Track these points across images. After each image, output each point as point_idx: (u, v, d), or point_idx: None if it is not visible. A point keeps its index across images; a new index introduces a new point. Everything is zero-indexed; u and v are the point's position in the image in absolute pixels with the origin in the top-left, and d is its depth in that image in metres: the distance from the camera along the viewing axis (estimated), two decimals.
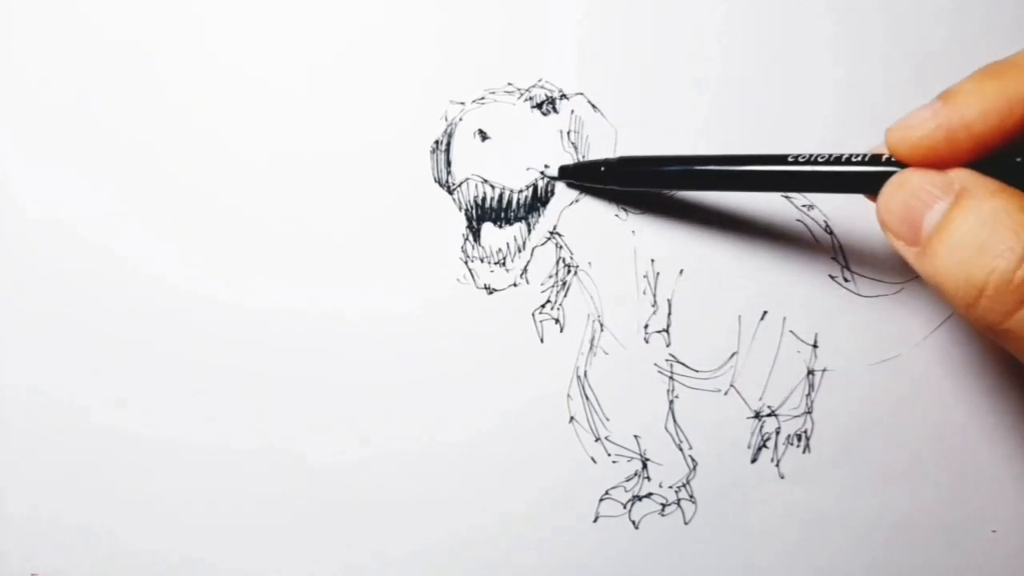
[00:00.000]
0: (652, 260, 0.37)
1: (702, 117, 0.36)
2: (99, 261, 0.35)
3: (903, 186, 0.27)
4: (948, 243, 0.25)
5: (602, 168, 0.35)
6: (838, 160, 0.29)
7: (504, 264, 0.36)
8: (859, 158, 0.29)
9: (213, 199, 0.35)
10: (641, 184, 0.35)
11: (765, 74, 0.36)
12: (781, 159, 0.30)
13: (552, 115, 0.36)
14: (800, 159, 0.30)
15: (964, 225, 0.25)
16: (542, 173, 0.36)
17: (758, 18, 0.36)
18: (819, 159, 0.29)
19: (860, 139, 0.37)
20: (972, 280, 0.25)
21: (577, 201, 0.36)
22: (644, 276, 0.37)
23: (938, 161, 0.27)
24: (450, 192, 0.36)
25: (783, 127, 0.37)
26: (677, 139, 0.36)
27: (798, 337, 0.37)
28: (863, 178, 0.29)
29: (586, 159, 0.36)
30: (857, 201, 0.37)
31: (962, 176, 0.26)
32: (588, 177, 0.35)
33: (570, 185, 0.36)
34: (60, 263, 0.35)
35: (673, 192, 0.36)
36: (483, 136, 0.36)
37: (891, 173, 0.27)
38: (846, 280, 0.37)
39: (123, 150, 0.35)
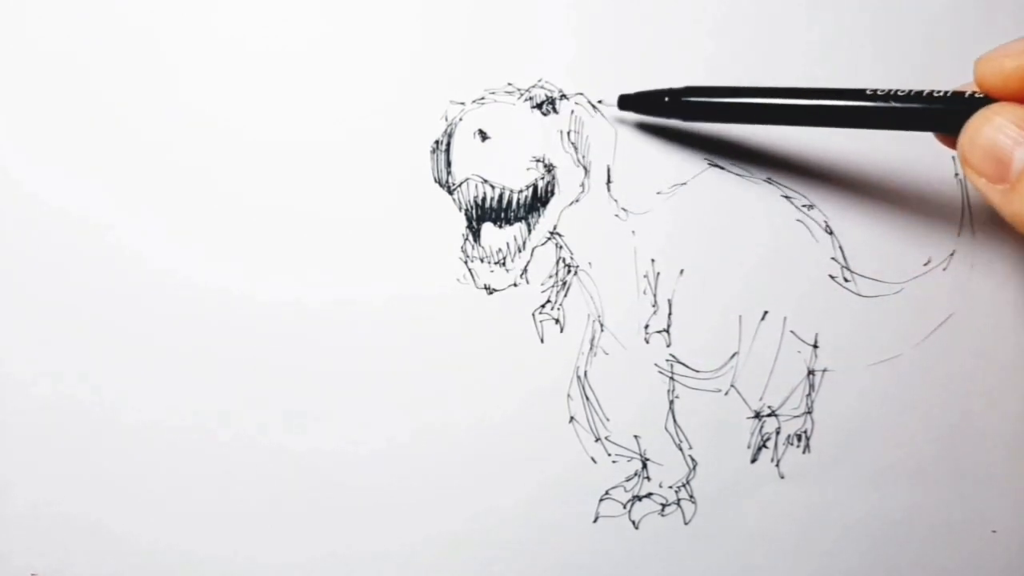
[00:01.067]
0: (652, 260, 0.37)
1: None
2: (96, 255, 0.35)
3: (990, 121, 0.26)
4: None
5: (666, 99, 0.33)
6: (918, 96, 0.28)
7: (504, 264, 0.36)
8: (940, 94, 0.28)
9: (212, 199, 0.35)
10: (706, 118, 0.33)
11: (762, 74, 0.36)
12: (858, 93, 0.29)
13: (552, 115, 0.36)
14: (879, 93, 0.29)
15: None
16: (600, 101, 0.35)
17: (757, 18, 0.36)
18: (898, 94, 0.29)
19: (860, 137, 0.37)
20: None
21: (577, 201, 0.36)
22: (644, 276, 0.37)
23: None
24: (450, 192, 0.36)
25: (782, 126, 0.37)
26: (677, 138, 0.36)
27: (798, 337, 0.37)
28: (942, 115, 0.28)
29: (645, 90, 0.34)
30: (857, 201, 0.37)
31: None
32: (649, 108, 0.34)
33: (625, 108, 0.35)
34: (56, 258, 0.35)
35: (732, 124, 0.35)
36: (483, 136, 0.36)
37: (972, 111, 0.27)
38: (846, 280, 0.37)
39: (124, 148, 0.35)
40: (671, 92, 0.33)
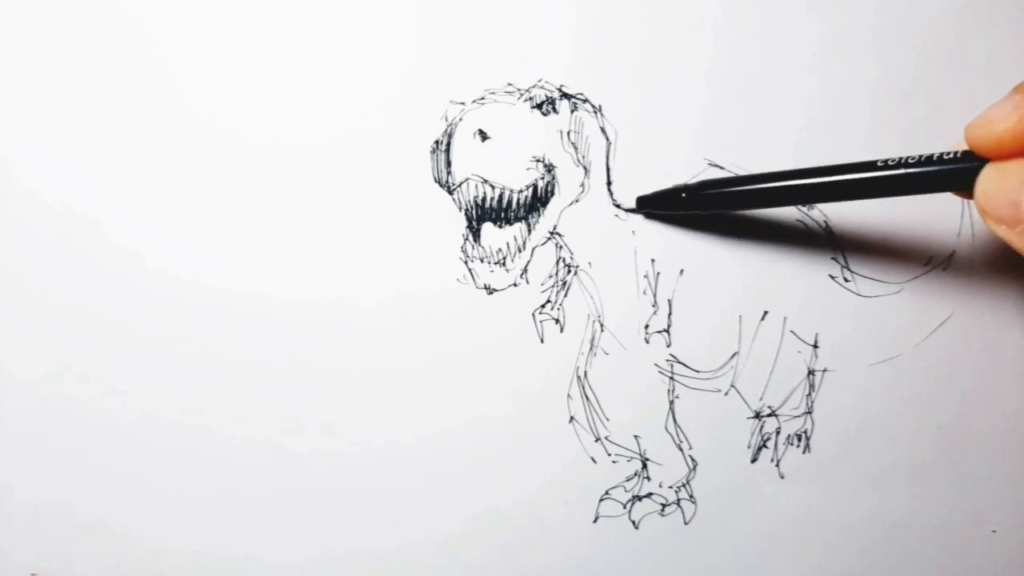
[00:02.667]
0: (652, 260, 0.37)
1: (702, 116, 0.36)
2: (96, 253, 0.35)
3: (1001, 171, 0.28)
4: None
5: (683, 194, 0.34)
6: (928, 160, 0.29)
7: (504, 264, 0.36)
8: (950, 156, 0.29)
9: (212, 199, 0.35)
10: (725, 206, 0.35)
11: (762, 73, 0.36)
12: (870, 166, 0.30)
13: (552, 115, 0.36)
14: (890, 163, 0.30)
15: None
16: (617, 205, 0.36)
17: (757, 18, 0.36)
18: (909, 161, 0.30)
19: (858, 131, 0.37)
20: None
21: (577, 201, 0.36)
22: (644, 276, 0.37)
23: None
24: (450, 192, 0.36)
25: (781, 124, 0.37)
26: (677, 138, 0.36)
27: (798, 337, 0.37)
28: (955, 175, 0.29)
29: (662, 189, 0.35)
30: (857, 201, 0.37)
31: None
32: (668, 205, 0.35)
33: (649, 216, 0.36)
34: (57, 256, 0.35)
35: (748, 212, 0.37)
36: (483, 136, 0.36)
37: (980, 168, 0.28)
38: (846, 280, 0.37)
39: (124, 148, 0.35)
40: (687, 188, 0.34)
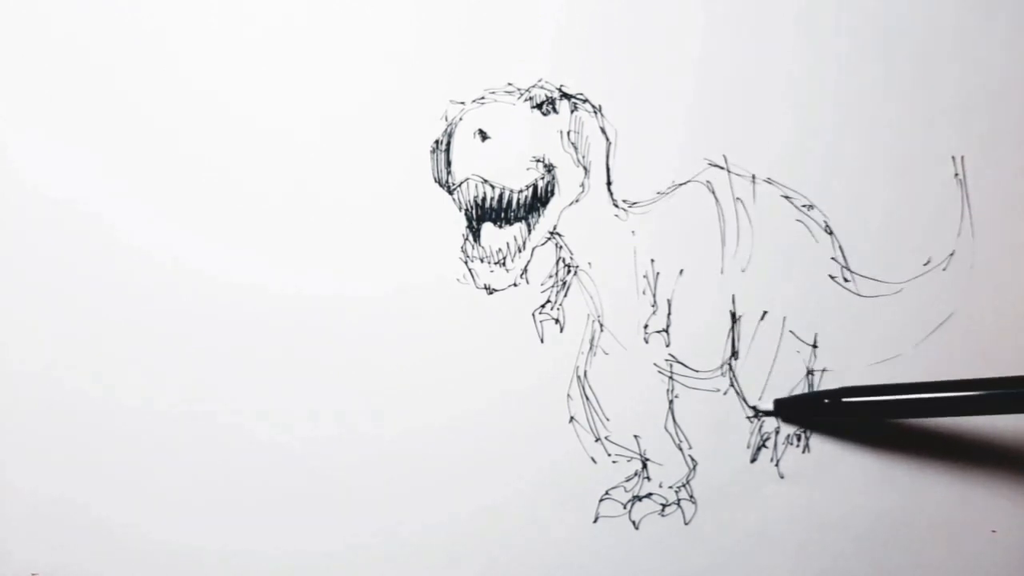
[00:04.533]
0: (652, 260, 0.37)
1: (702, 116, 0.36)
2: (99, 248, 0.35)
3: None
4: None
5: (825, 400, 0.35)
6: None
7: (504, 264, 0.36)
8: None
9: (213, 199, 0.35)
10: (867, 415, 0.35)
11: (763, 71, 0.36)
12: (1019, 381, 0.31)
13: (552, 115, 0.36)
14: None
15: None
16: (755, 409, 0.36)
17: (760, 16, 0.36)
18: None
19: (858, 131, 0.37)
20: None
21: (577, 201, 0.36)
22: (644, 276, 0.37)
23: None
24: (450, 192, 0.36)
25: (781, 124, 0.37)
26: (677, 138, 0.36)
27: (798, 337, 0.37)
28: None
29: (802, 393, 0.36)
30: (857, 201, 0.37)
31: None
32: (808, 412, 0.36)
33: (787, 419, 0.37)
34: (59, 252, 0.35)
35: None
36: (483, 136, 0.36)
37: None
38: (846, 280, 0.37)
39: (128, 150, 0.35)
40: (830, 394, 0.35)
